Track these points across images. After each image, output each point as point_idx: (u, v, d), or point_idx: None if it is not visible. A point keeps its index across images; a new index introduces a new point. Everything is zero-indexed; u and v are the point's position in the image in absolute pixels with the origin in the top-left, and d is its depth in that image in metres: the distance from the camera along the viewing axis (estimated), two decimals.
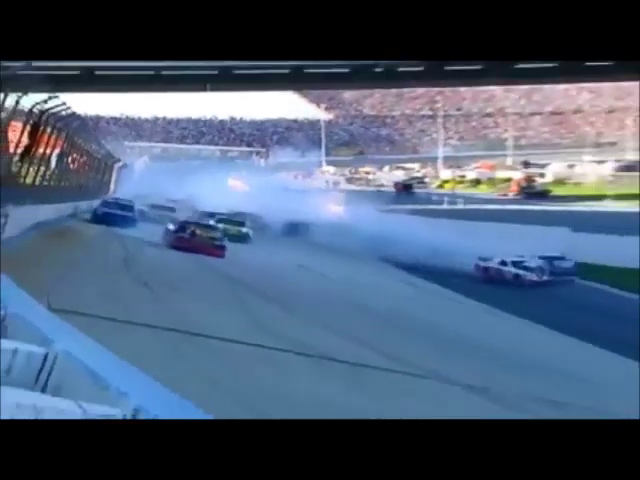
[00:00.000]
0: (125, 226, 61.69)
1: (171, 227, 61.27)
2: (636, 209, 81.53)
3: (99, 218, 65.27)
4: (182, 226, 61.40)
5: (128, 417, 5.46)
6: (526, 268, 67.75)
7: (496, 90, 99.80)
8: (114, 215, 65.56)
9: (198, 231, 60.54)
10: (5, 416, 5.31)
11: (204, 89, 57.56)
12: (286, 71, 52.30)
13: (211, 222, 66.53)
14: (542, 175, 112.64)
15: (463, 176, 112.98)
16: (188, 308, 31.04)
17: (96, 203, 60.66)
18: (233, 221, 71.95)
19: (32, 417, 5.31)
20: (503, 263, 68.66)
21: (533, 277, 67.45)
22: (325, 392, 24.38)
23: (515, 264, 68.01)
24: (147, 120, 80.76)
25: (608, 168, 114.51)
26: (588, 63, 53.74)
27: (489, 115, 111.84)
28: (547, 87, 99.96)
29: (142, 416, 5.45)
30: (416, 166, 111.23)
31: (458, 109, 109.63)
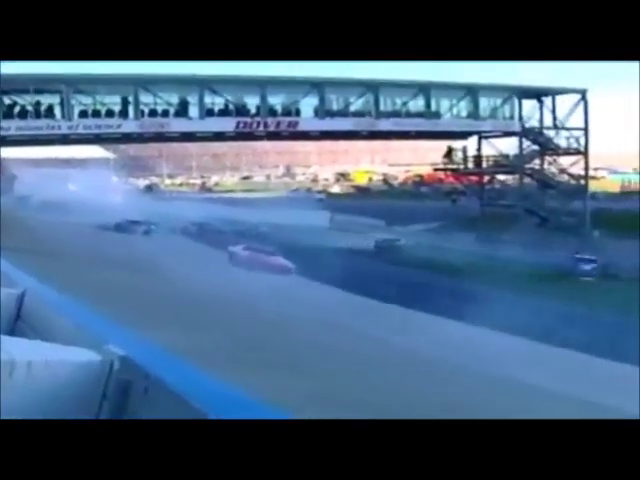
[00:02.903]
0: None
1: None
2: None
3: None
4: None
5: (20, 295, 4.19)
6: None
7: (189, 146, 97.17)
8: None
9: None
10: None
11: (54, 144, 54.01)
12: (92, 137, 49.78)
13: None
14: (208, 181, 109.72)
15: (175, 182, 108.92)
16: None
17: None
18: None
19: None
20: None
21: None
22: None
23: None
24: (31, 159, 77.67)
25: (237, 178, 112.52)
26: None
27: (185, 157, 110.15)
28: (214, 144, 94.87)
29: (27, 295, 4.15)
30: (154, 178, 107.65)
31: (172, 153, 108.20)
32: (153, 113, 48.57)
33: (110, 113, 47.38)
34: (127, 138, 52.78)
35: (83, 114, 46.57)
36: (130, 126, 48.08)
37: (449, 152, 60.88)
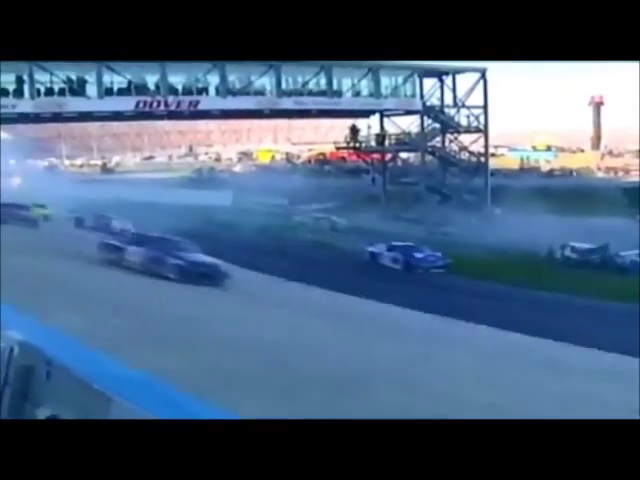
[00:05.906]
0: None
1: None
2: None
3: None
4: None
5: None
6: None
7: (89, 126, 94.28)
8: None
9: None
10: None
11: None
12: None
13: None
14: (109, 162, 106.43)
15: (75, 164, 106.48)
16: None
17: None
18: None
19: None
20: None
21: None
22: None
23: None
24: None
25: (138, 159, 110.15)
26: None
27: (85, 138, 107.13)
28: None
29: None
30: (53, 159, 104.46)
31: (71, 134, 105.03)
32: (49, 92, 47.54)
33: (4, 92, 46.07)
34: (23, 118, 51.26)
35: None
36: (26, 106, 46.95)
37: (353, 130, 61.30)
